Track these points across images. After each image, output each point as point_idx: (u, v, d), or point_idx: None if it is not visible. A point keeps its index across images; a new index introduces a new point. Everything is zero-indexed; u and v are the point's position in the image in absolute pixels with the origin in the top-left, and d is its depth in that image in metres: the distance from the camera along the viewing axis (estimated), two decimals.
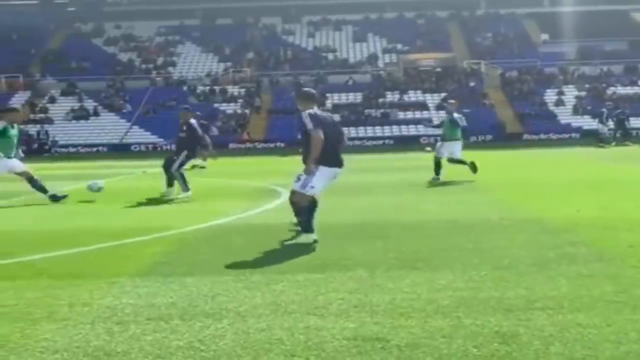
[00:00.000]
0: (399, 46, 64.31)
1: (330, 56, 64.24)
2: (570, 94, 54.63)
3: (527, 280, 5.75)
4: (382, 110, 52.80)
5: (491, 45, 64.51)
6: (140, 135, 51.28)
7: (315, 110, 8.15)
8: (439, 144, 16.45)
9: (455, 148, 16.17)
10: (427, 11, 69.81)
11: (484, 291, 5.48)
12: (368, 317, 4.86)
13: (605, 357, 4.01)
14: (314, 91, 8.66)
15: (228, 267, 6.67)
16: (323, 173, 8.03)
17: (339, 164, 8.26)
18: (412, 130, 49.37)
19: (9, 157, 13.10)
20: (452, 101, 18.33)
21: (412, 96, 55.64)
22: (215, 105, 54.75)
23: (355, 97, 55.65)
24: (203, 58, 64.75)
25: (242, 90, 57.56)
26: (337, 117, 50.30)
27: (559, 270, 6.09)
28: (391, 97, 55.22)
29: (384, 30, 66.67)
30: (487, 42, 65.29)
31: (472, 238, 7.94)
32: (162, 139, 47.44)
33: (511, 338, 4.34)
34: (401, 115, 52.45)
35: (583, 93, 54.44)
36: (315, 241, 7.78)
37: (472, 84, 56.71)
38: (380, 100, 54.20)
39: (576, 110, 51.66)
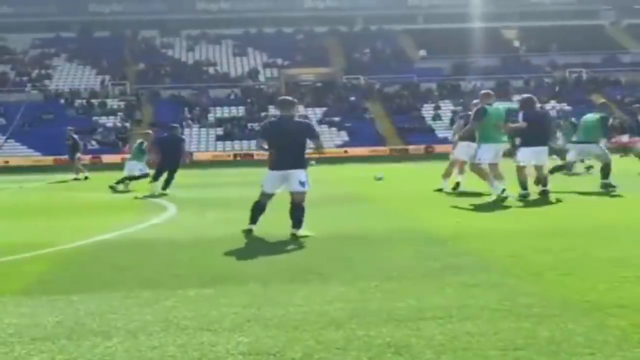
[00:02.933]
0: (279, 61, 64.74)
1: (211, 70, 64.01)
2: (447, 108, 56.31)
3: (417, 291, 5.86)
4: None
5: (369, 60, 65.82)
6: (16, 150, 49.58)
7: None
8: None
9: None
10: (305, 27, 70.60)
11: (375, 302, 5.55)
12: (262, 331, 4.84)
13: None
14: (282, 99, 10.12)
15: (116, 283, 6.52)
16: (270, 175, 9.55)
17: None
18: None
19: None
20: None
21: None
22: (95, 118, 53.60)
23: (238, 111, 55.61)
24: (80, 71, 63.30)
25: (122, 103, 56.55)
26: (220, 131, 51.00)
27: (446, 280, 6.24)
28: (273, 111, 55.44)
29: (264, 45, 67.02)
30: (365, 58, 66.55)
31: (361, 249, 8.05)
32: (39, 153, 46.00)
33: (404, 348, 4.41)
34: None
35: (459, 108, 56.18)
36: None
37: (352, 98, 57.66)
38: (263, 114, 54.34)
39: (452, 124, 53.24)
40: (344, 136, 51.16)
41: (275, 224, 10.68)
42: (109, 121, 53.74)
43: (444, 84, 60.92)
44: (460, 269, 6.70)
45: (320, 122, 52.33)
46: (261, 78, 62.95)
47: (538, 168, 13.77)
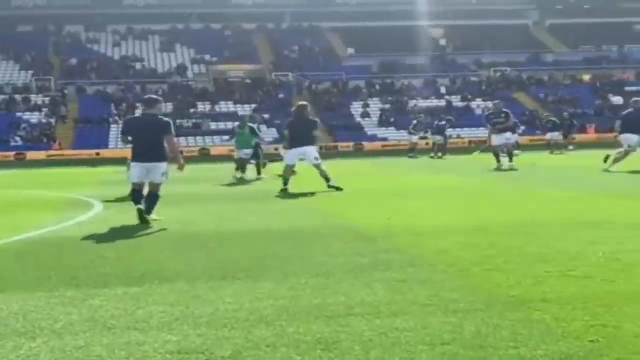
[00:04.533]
0: (208, 57, 64.29)
1: (138, 66, 63.15)
2: (375, 106, 56.75)
3: (346, 287, 5.89)
4: (194, 121, 52.52)
5: (298, 58, 65.87)
6: None
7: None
8: None
9: None
10: (233, 23, 70.28)
11: (305, 299, 5.56)
12: (191, 330, 4.79)
13: (422, 359, 4.17)
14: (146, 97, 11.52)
15: (40, 283, 6.37)
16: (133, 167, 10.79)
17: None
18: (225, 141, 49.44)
19: None
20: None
21: (224, 107, 55.73)
22: (18, 114, 52.35)
23: (166, 107, 54.98)
24: (3, 66, 61.74)
25: (47, 99, 55.33)
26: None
27: (375, 276, 6.28)
28: (202, 107, 55.06)
29: (191, 41, 66.46)
30: (294, 55, 66.58)
31: (291, 246, 8.05)
32: None
33: (333, 344, 4.42)
34: (213, 126, 52.40)
35: (387, 106, 56.71)
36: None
37: (281, 95, 57.62)
38: (192, 110, 53.91)
39: (382, 122, 53.72)
40: (274, 133, 51.08)
41: (204, 221, 10.63)
42: (34, 117, 52.56)
43: (373, 82, 61.38)
44: (390, 265, 6.75)
45: (250, 119, 52.13)
46: (189, 74, 62.42)
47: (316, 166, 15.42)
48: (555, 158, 28.89)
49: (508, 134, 22.66)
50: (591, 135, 50.03)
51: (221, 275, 6.51)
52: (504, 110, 22.57)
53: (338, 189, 14.94)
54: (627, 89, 60.27)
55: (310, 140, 15.59)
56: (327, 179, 15.34)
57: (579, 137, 41.64)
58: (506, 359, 4.13)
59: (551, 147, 33.96)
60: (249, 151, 20.75)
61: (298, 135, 15.68)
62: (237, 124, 24.56)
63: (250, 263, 7.06)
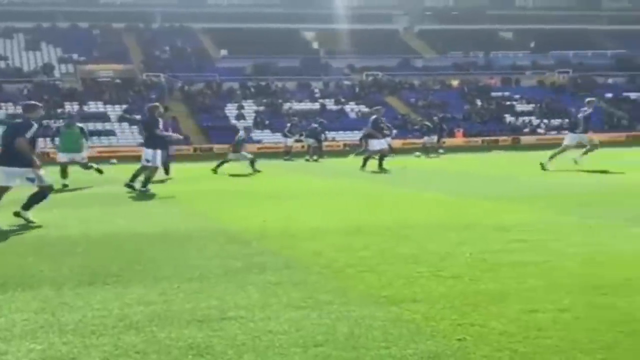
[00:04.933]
0: (75, 56, 62.51)
1: (2, 64, 60.77)
2: (250, 108, 56.66)
3: (219, 291, 5.82)
4: (61, 121, 50.91)
5: (170, 58, 65.02)
6: None
7: None
8: None
9: None
10: (101, 22, 68.66)
11: (177, 304, 5.45)
12: (57, 338, 4.62)
13: None
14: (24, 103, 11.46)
15: None
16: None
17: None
18: (95, 142, 48.23)
19: None
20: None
21: (93, 107, 54.35)
22: None
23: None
24: None
25: None
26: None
27: (249, 279, 6.23)
28: (70, 107, 53.44)
29: (58, 40, 64.44)
30: (165, 56, 65.67)
31: (163, 250, 7.89)
32: None
33: (205, 349, 4.36)
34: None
35: (262, 108, 56.72)
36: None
37: (153, 96, 56.70)
38: (60, 110, 52.23)
39: (257, 124, 53.65)
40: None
41: (71, 225, 10.28)
42: None
43: (247, 83, 61.26)
44: (264, 267, 6.72)
45: (120, 119, 51.15)
46: (56, 73, 60.48)
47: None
48: (428, 161, 29.62)
49: (388, 138, 23.26)
50: (459, 139, 51.62)
51: (89, 281, 6.31)
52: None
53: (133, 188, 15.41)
54: (493, 94, 62.58)
55: (151, 144, 15.64)
56: (132, 180, 15.73)
57: (448, 141, 42.90)
58: (377, 358, 4.18)
59: (427, 150, 34.79)
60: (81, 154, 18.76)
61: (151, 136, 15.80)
62: (63, 122, 22.55)
63: (119, 267, 6.87)
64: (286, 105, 56.91)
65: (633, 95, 63.76)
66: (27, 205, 10.35)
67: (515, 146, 47.02)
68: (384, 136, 23.01)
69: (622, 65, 69.82)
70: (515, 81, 66.39)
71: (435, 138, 36.01)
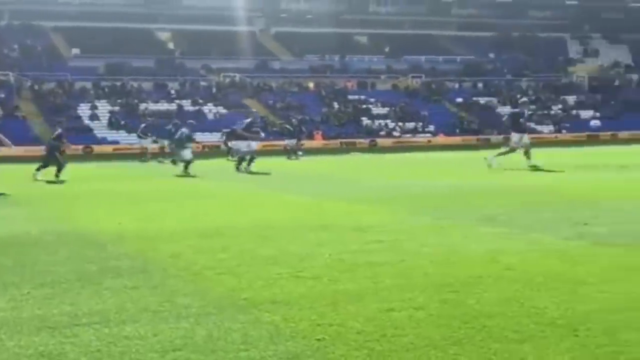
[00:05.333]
0: None
1: None
2: (104, 108, 55.21)
3: (72, 296, 5.63)
4: None
5: (19, 57, 62.53)
6: None
7: None
8: None
9: None
10: None
11: (27, 310, 5.24)
12: None
13: None
14: None
15: None
16: None
17: None
18: None
19: None
20: None
21: None
22: None
23: None
24: None
25: None
26: None
27: (104, 283, 6.06)
28: None
29: None
30: (14, 54, 63.11)
31: (11, 254, 7.56)
32: None
33: (57, 357, 4.21)
34: None
35: (117, 108, 55.39)
36: None
37: (2, 95, 54.35)
38: None
39: (112, 125, 52.38)
40: None
41: None
42: None
43: (100, 83, 59.66)
44: (120, 271, 6.55)
45: None
46: None
47: None
48: (289, 163, 29.80)
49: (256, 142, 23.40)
50: (318, 141, 52.18)
51: None
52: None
53: None
54: (350, 97, 63.59)
55: None
56: None
57: (307, 143, 43.30)
58: None
59: (288, 152, 34.97)
60: None
61: None
62: None
63: None
64: (142, 106, 55.81)
65: (482, 100, 66.38)
66: None
67: (373, 149, 48.00)
68: (255, 139, 23.18)
69: (471, 71, 72.60)
70: (370, 85, 67.71)
71: (294, 140, 36.30)
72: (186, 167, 22.04)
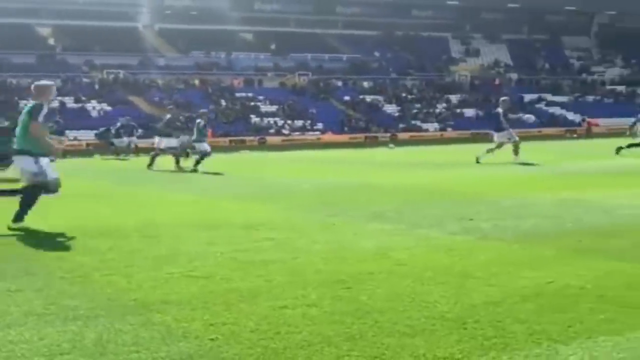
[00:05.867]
0: None
1: None
2: None
3: None
4: None
5: None
6: None
7: None
8: None
9: None
10: None
11: None
12: None
13: None
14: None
15: None
16: None
17: None
18: None
19: None
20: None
21: None
22: None
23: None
24: None
25: None
26: None
27: None
28: None
29: None
30: None
31: None
32: None
33: None
34: None
35: None
36: None
37: None
38: None
39: None
40: None
41: None
42: None
43: None
44: (3, 274, 6.30)
45: None
46: None
47: None
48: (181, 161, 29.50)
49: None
50: (208, 139, 51.66)
51: None
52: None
53: None
54: (237, 94, 63.41)
55: None
56: None
57: None
58: None
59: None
60: None
61: None
62: None
63: None
64: (22, 103, 53.98)
65: (368, 98, 67.38)
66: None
67: (262, 146, 47.98)
68: (177, 136, 22.89)
69: (357, 69, 73.60)
70: (258, 82, 67.72)
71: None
72: (199, 162, 21.48)
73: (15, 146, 9.36)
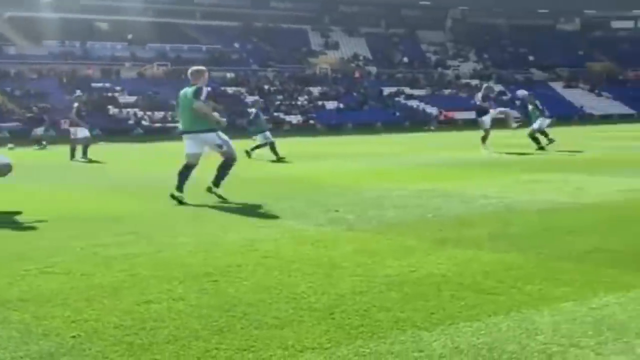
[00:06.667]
0: None
1: None
2: None
3: None
4: None
5: None
6: None
7: None
8: None
9: None
10: None
11: None
12: None
13: None
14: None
15: None
16: None
17: None
18: None
19: None
20: None
21: None
22: None
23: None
24: None
25: None
26: None
27: None
28: None
29: None
30: None
31: None
32: None
33: None
34: None
35: None
36: None
37: None
38: None
39: None
40: None
41: None
42: None
43: None
44: None
45: None
46: None
47: None
48: (40, 153, 28.63)
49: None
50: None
51: None
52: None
53: None
54: (94, 85, 61.57)
55: None
56: None
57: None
58: None
59: (37, 142, 33.39)
60: None
61: None
62: None
63: None
64: None
65: (230, 89, 67.02)
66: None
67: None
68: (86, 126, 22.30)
69: (217, 60, 73.02)
70: (115, 72, 66.05)
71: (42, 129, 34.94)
72: (274, 148, 20.64)
73: (184, 128, 10.82)
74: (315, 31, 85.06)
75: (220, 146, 10.65)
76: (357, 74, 76.13)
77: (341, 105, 66.15)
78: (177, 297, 5.13)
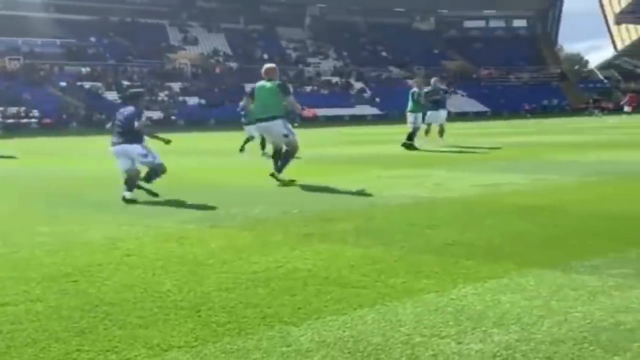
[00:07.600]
0: None
1: None
2: None
3: None
4: None
5: None
6: None
7: None
8: None
9: None
10: None
11: None
12: None
13: None
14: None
15: None
16: None
17: None
18: None
19: None
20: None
21: None
22: None
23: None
24: None
25: None
26: None
27: None
28: None
29: None
30: None
31: None
32: None
33: None
34: None
35: None
36: None
37: None
38: None
39: None
40: None
41: None
42: None
43: None
44: None
45: None
46: None
47: None
48: None
49: None
50: None
51: None
52: None
53: None
54: None
55: None
56: None
57: None
58: None
59: None
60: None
61: None
62: None
63: None
64: None
65: (87, 84, 65.24)
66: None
67: None
68: None
69: (73, 55, 70.90)
70: None
71: None
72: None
73: (263, 115, 11.89)
74: (173, 26, 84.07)
75: (286, 135, 11.78)
76: (217, 70, 75.71)
77: (203, 102, 65.63)
78: (35, 299, 4.94)
